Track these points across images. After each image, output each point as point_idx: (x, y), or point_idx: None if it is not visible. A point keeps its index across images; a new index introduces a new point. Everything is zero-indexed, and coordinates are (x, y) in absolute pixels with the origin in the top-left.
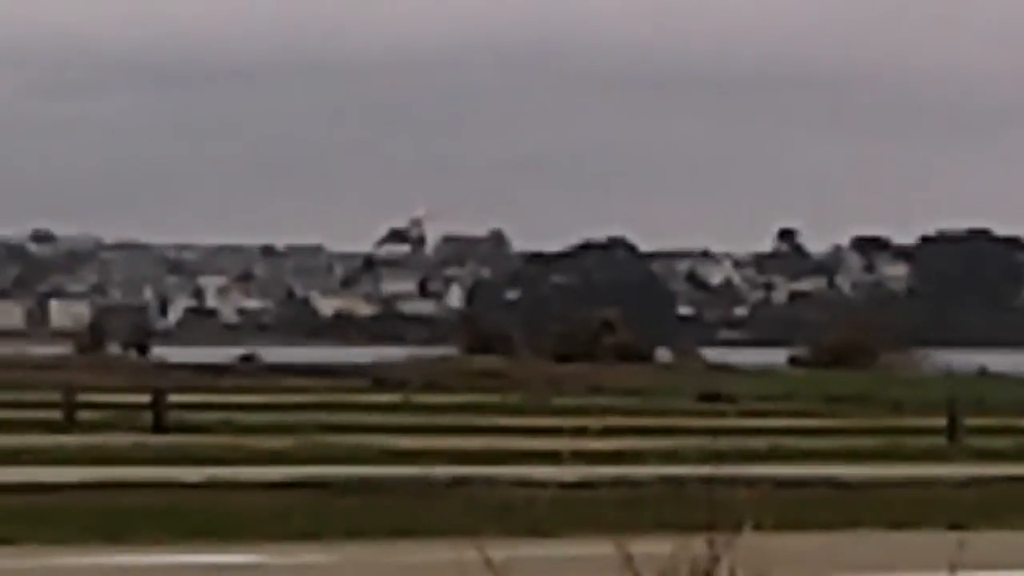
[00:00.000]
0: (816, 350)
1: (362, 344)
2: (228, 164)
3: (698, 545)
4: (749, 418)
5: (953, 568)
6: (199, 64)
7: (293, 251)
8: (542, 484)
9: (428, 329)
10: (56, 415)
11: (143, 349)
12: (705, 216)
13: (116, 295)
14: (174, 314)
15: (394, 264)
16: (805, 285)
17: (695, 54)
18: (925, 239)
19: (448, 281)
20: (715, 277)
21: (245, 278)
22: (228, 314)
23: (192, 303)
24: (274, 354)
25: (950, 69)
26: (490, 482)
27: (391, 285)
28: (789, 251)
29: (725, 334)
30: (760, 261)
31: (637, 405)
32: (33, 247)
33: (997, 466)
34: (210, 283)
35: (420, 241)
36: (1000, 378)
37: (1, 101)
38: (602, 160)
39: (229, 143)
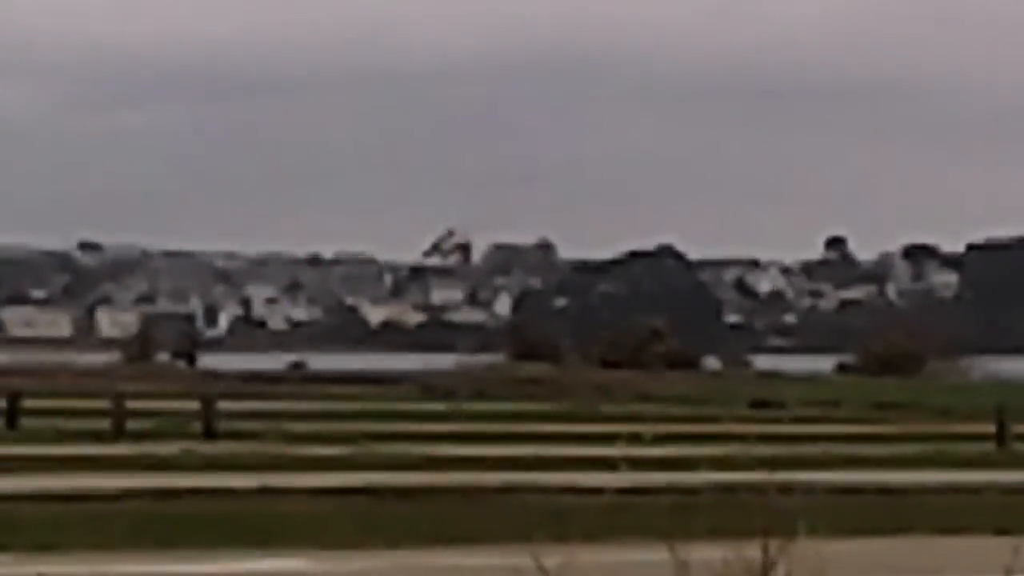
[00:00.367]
0: (864, 357)
1: (411, 352)
2: (274, 173)
3: (752, 551)
4: (800, 425)
5: (1009, 572)
6: (244, 75)
7: (341, 260)
8: (592, 490)
9: (476, 337)
10: (105, 424)
11: (191, 358)
12: (754, 224)
13: (164, 304)
14: (222, 323)
15: (442, 273)
16: (854, 293)
17: (744, 62)
18: (973, 247)
19: (496, 290)
20: (763, 285)
21: (293, 288)
22: (276, 323)
23: (239, 312)
24: (323, 362)
25: (998, 76)
26: (539, 489)
27: (439, 294)
28: (838, 259)
29: (773, 342)
30: (809, 269)
31: (690, 412)
32: (80, 257)
33: None
34: (258, 292)
35: (466, 250)
36: None
37: (48, 112)
38: (650, 168)
39: (276, 152)
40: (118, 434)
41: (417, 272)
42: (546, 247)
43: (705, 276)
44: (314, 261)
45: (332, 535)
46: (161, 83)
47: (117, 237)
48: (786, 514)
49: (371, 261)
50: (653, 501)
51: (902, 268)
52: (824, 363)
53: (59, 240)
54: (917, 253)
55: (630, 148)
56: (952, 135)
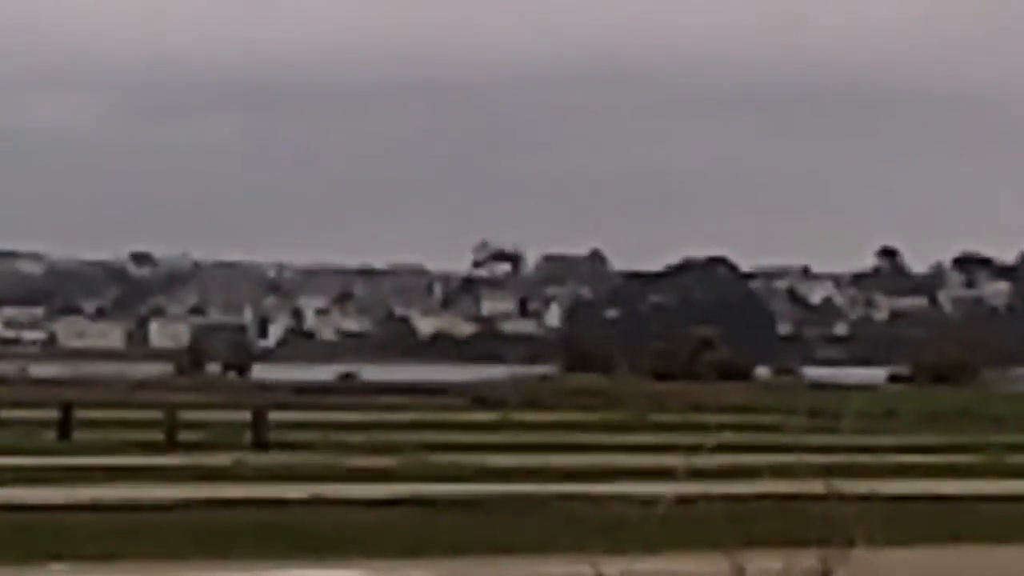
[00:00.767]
0: (917, 367)
1: (462, 363)
2: (325, 185)
3: (809, 560)
4: (854, 435)
5: None
6: (296, 86)
7: (392, 271)
8: (647, 500)
9: (527, 348)
10: (157, 435)
11: (243, 370)
12: (805, 235)
13: (215, 315)
14: (273, 334)
15: (493, 284)
16: (906, 303)
17: (795, 74)
18: None
19: (547, 300)
20: (815, 296)
21: (344, 298)
22: (327, 334)
23: (291, 323)
24: (373, 373)
25: None
26: (592, 498)
27: (490, 304)
28: (890, 269)
29: (825, 352)
30: (861, 279)
31: (746, 421)
32: (133, 269)
33: None
34: (309, 303)
35: (517, 261)
36: None
37: (100, 125)
38: (701, 179)
39: (326, 164)
40: (170, 445)
41: (468, 283)
42: (597, 257)
43: (757, 286)
44: (365, 272)
45: (383, 546)
46: (213, 95)
47: (169, 249)
48: (843, 523)
49: (422, 272)
50: (710, 510)
51: (954, 278)
52: (876, 374)
53: (111, 252)
54: (969, 263)
55: (682, 159)
56: (1004, 146)
